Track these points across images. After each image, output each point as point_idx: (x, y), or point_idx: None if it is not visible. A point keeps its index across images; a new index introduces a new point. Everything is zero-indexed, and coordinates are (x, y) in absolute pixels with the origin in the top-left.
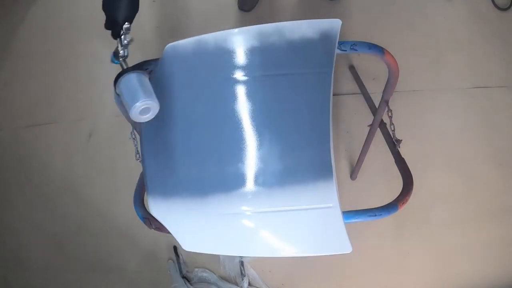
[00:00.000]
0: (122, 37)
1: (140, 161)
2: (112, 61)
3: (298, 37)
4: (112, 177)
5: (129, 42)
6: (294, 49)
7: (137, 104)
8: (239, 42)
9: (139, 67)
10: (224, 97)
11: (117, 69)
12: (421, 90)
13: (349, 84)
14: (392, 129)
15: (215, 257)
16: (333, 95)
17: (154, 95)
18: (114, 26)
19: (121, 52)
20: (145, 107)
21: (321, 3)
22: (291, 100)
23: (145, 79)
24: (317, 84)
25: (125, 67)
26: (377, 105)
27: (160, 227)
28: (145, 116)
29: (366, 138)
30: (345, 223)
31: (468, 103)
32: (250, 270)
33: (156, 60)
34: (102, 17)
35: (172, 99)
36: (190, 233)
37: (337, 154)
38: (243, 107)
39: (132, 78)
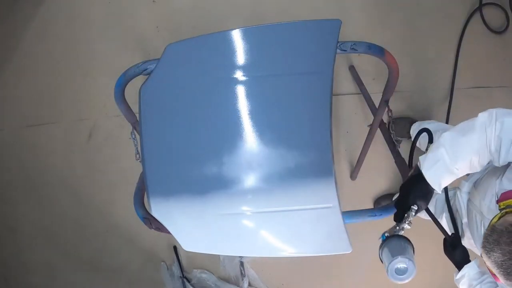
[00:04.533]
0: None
1: (140, 161)
2: (382, 237)
3: (298, 37)
4: (112, 177)
5: (407, 225)
6: (294, 49)
7: (393, 261)
8: (239, 42)
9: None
10: (224, 97)
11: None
12: (421, 90)
13: (349, 84)
14: (392, 129)
15: (215, 258)
16: (333, 95)
17: (411, 259)
18: (402, 206)
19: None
20: (401, 266)
21: None
22: (292, 100)
23: (406, 245)
24: (317, 84)
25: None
26: (377, 105)
27: (160, 227)
28: (400, 276)
29: (366, 138)
30: (345, 223)
31: (468, 103)
32: (250, 271)
33: (156, 60)
34: (102, 18)
35: (172, 99)
36: (190, 233)
37: (337, 154)
38: (243, 107)
39: (394, 241)
